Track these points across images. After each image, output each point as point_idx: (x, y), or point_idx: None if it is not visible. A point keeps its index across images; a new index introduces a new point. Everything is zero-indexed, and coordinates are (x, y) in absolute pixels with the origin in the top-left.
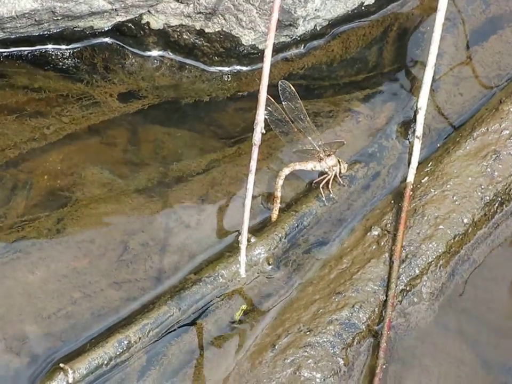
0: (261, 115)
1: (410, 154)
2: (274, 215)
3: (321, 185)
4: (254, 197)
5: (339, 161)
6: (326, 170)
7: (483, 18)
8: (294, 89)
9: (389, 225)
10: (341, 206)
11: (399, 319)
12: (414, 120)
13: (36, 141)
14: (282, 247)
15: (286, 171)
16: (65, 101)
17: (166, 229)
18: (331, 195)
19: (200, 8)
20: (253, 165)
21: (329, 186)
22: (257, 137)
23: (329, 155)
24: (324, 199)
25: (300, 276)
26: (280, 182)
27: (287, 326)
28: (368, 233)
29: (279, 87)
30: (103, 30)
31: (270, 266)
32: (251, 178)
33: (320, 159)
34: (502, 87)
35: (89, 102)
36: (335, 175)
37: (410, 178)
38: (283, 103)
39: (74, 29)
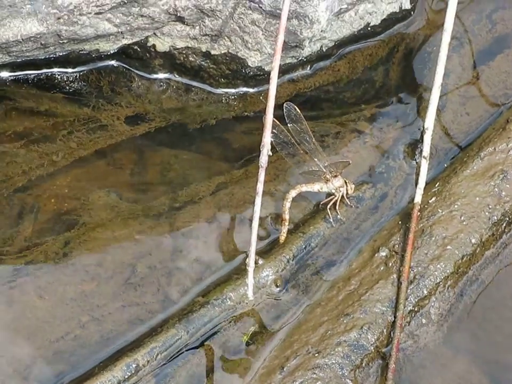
0: (267, 137)
1: (418, 174)
2: (282, 237)
3: (328, 207)
4: (261, 219)
5: (346, 182)
6: (333, 191)
7: (489, 37)
8: (299, 111)
9: (397, 246)
10: (348, 227)
11: (408, 340)
12: (421, 140)
13: (44, 167)
14: (290, 268)
15: (293, 193)
16: (72, 124)
17: (173, 252)
18: (338, 216)
19: (206, 30)
20: (260, 187)
21: (337, 207)
22: (263, 159)
23: (335, 176)
24: (331, 220)
25: (308, 298)
26: (287, 204)
27: (295, 348)
28: (376, 254)
29: (284, 109)
30: (109, 53)
31: (278, 288)
32: (258, 200)
33: (327, 180)
34: (509, 106)
35: (96, 125)
36: (342, 196)
37: (418, 198)
38: (288, 125)
39: (80, 52)
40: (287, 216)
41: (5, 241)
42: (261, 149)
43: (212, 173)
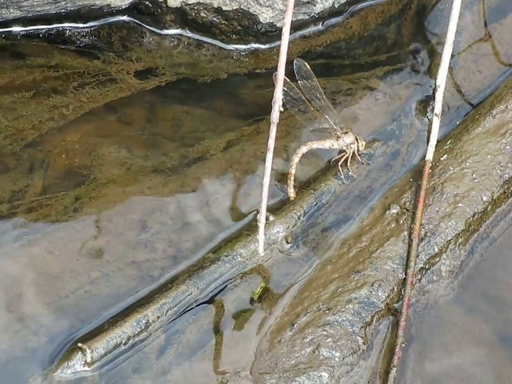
0: (278, 93)
1: (429, 132)
2: (291, 193)
3: (339, 163)
4: (272, 176)
5: (357, 139)
6: (344, 148)
7: None
8: (309, 68)
9: (408, 203)
10: (359, 184)
11: (418, 298)
12: (433, 97)
13: (53, 121)
14: (301, 225)
15: (304, 149)
16: (82, 78)
17: (184, 208)
18: (350, 173)
19: None
20: (271, 143)
21: (348, 164)
22: (275, 115)
23: (346, 133)
24: (342, 177)
25: (319, 255)
26: (296, 159)
27: (306, 304)
28: (387, 212)
29: (294, 66)
30: (120, 8)
31: (289, 245)
32: (269, 156)
33: (338, 137)
34: None
35: (106, 78)
36: (353, 153)
37: (429, 156)
38: (298, 81)
39: (92, 7)
40: (293, 171)
41: (15, 196)
42: (272, 105)
43: (223, 129)
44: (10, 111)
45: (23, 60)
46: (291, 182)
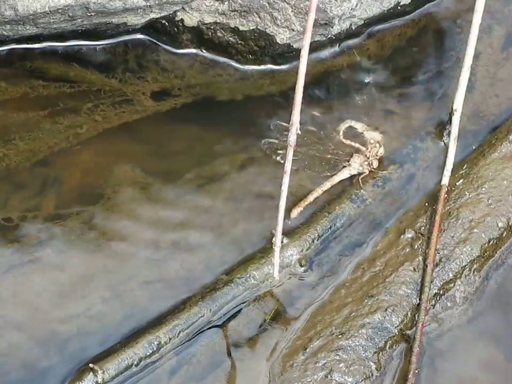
0: (296, 116)
1: (445, 156)
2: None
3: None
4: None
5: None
6: (361, 169)
7: None
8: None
9: (423, 228)
10: (374, 208)
11: (432, 324)
12: (449, 121)
13: (68, 141)
14: (315, 248)
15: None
16: (97, 97)
17: (198, 228)
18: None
19: (235, 6)
20: (288, 165)
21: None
22: (292, 138)
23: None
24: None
25: (333, 278)
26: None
27: (318, 328)
28: (402, 236)
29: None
30: (136, 27)
31: (302, 268)
32: (286, 179)
33: (348, 164)
34: None
35: (121, 99)
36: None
37: (445, 181)
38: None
39: (108, 25)
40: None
41: (27, 214)
42: (289, 128)
43: (239, 150)
44: (25, 129)
45: (39, 77)
46: (305, 203)
